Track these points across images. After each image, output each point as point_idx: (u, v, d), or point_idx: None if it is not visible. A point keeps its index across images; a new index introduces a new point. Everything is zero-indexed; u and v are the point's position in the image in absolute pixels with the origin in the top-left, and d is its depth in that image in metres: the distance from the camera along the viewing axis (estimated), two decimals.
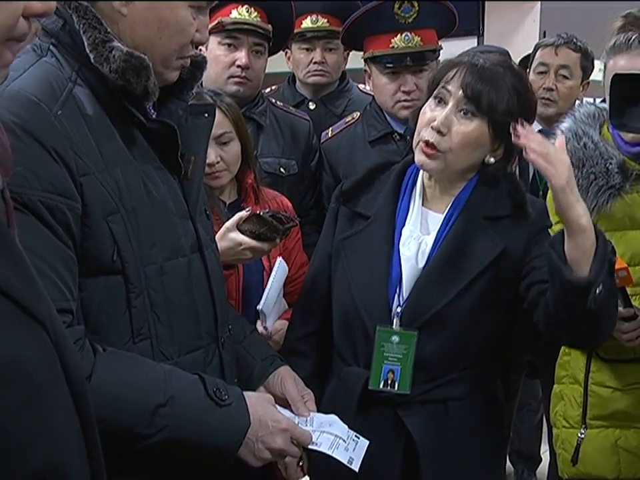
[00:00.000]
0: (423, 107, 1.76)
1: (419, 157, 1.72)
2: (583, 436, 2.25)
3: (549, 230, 1.81)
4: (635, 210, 2.15)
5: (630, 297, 2.07)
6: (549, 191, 2.30)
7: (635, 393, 2.19)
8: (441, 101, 1.71)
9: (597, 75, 3.49)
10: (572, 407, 2.29)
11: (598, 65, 3.59)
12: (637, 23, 2.12)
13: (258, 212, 1.89)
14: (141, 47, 1.32)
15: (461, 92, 1.68)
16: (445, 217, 1.76)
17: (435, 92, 1.74)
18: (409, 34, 2.49)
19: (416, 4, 2.46)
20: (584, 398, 2.25)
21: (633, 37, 2.07)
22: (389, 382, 1.69)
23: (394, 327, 1.70)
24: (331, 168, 2.60)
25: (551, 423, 2.40)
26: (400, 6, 2.46)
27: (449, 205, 1.77)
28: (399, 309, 1.71)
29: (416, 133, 1.74)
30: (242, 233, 1.87)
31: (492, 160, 1.75)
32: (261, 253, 1.95)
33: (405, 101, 2.51)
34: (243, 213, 1.90)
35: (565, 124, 2.27)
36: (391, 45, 2.50)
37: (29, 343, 0.83)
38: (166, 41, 1.34)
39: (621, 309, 1.99)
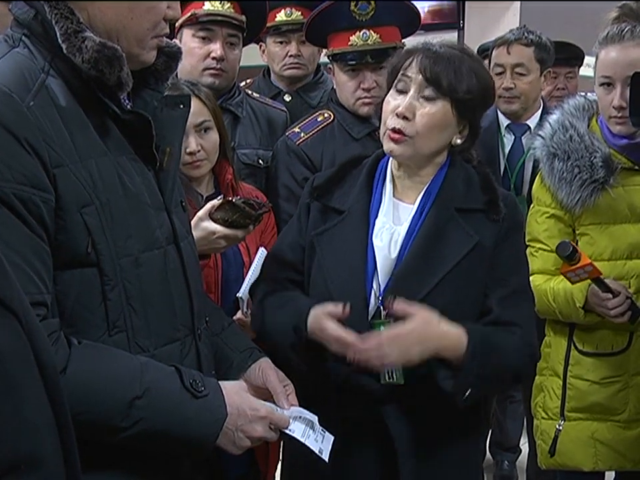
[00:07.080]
0: (386, 98, 1.76)
1: (387, 145, 1.73)
2: (560, 428, 2.27)
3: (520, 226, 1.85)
4: (619, 204, 2.16)
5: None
6: (536, 180, 2.32)
7: (611, 387, 2.22)
8: (403, 90, 1.72)
9: (585, 71, 3.48)
10: (551, 398, 2.31)
11: (586, 60, 3.61)
12: (632, 15, 2.13)
13: (229, 199, 1.88)
14: (114, 30, 1.31)
15: (420, 76, 1.69)
16: (417, 208, 1.76)
17: (394, 82, 1.74)
18: (367, 31, 2.47)
19: (372, 1, 2.45)
20: (563, 390, 2.28)
21: (627, 29, 2.09)
22: (389, 373, 1.66)
23: (382, 318, 1.67)
24: (314, 166, 2.51)
25: (531, 414, 2.42)
26: (356, 4, 2.45)
27: (420, 196, 1.77)
28: (379, 299, 1.70)
29: (382, 124, 1.75)
30: (214, 221, 1.86)
31: (458, 141, 1.76)
32: (234, 241, 1.94)
33: (365, 97, 2.51)
34: (214, 202, 1.89)
35: (554, 115, 2.29)
36: (349, 43, 2.48)
37: (2, 332, 0.82)
38: (138, 20, 1.32)
39: (603, 294, 2.09)
